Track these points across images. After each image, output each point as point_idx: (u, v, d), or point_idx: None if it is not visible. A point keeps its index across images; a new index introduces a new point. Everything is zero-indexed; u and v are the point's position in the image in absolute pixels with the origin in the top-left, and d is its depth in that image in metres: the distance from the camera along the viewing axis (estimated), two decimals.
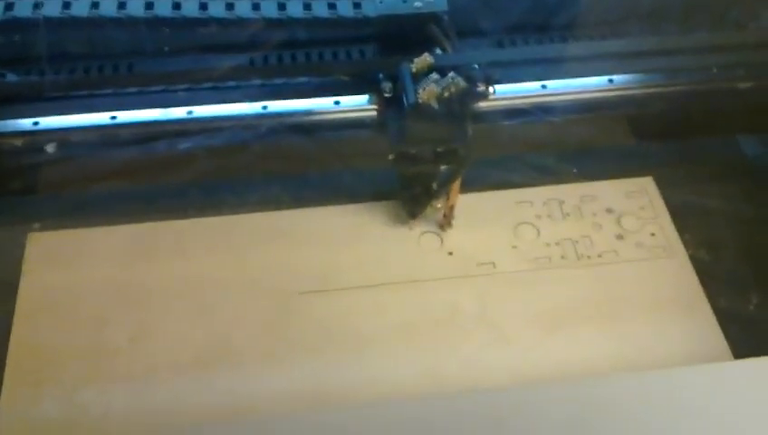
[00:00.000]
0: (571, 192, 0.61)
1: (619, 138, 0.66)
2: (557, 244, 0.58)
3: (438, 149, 0.52)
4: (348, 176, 0.63)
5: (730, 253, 0.59)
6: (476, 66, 0.54)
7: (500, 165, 0.63)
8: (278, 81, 0.60)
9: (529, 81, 0.59)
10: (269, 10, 0.61)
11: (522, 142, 0.63)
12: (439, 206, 0.58)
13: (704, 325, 0.54)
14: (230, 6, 0.60)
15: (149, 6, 0.60)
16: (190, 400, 0.50)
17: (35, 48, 0.59)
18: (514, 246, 0.58)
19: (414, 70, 0.53)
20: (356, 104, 0.57)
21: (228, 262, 0.56)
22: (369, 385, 0.51)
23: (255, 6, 0.61)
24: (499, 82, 0.55)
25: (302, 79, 0.60)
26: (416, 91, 0.51)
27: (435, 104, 0.51)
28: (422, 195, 0.56)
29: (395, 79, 0.54)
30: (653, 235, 0.59)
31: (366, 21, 0.61)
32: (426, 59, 0.53)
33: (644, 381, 0.46)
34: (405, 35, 0.60)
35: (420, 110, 0.51)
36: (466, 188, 0.56)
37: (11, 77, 0.60)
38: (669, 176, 0.63)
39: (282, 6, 0.61)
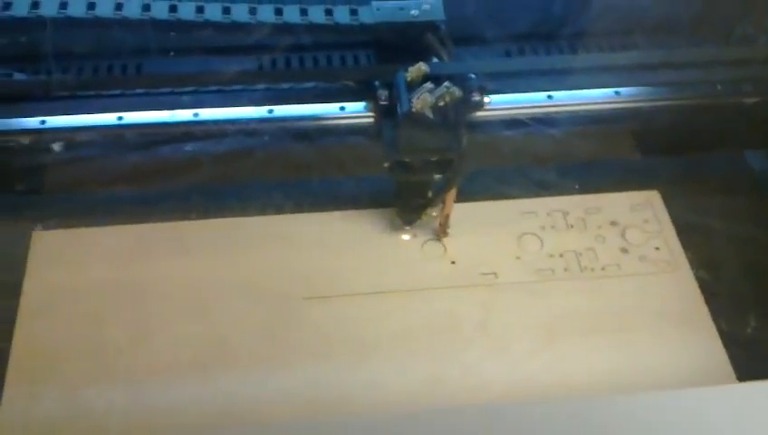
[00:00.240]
0: (575, 204, 0.61)
1: (624, 152, 0.66)
2: (560, 255, 0.58)
3: (432, 159, 0.52)
4: (349, 182, 0.62)
5: (731, 272, 0.59)
6: (473, 75, 0.54)
7: (502, 178, 0.63)
8: (284, 85, 0.60)
9: (532, 91, 0.59)
10: (265, 15, 0.60)
11: (526, 154, 0.63)
12: (435, 214, 0.58)
13: (706, 340, 0.54)
14: (226, 11, 0.60)
15: (146, 9, 0.60)
16: (190, 400, 0.50)
17: (43, 47, 0.59)
18: (518, 257, 0.58)
19: (408, 78, 0.53)
20: (354, 111, 0.57)
21: (231, 264, 0.56)
22: (368, 392, 0.51)
23: (252, 11, 0.60)
24: (499, 92, 0.55)
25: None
26: (409, 100, 0.51)
27: (429, 113, 0.51)
28: (417, 203, 0.56)
29: (390, 87, 0.54)
30: (657, 249, 0.59)
31: (362, 28, 0.60)
32: (420, 68, 0.53)
33: (646, 403, 0.46)
34: (401, 43, 0.60)
35: (414, 118, 0.51)
36: (469, 197, 0.56)
37: (18, 76, 0.60)
38: (674, 192, 0.62)
39: (278, 12, 0.60)
